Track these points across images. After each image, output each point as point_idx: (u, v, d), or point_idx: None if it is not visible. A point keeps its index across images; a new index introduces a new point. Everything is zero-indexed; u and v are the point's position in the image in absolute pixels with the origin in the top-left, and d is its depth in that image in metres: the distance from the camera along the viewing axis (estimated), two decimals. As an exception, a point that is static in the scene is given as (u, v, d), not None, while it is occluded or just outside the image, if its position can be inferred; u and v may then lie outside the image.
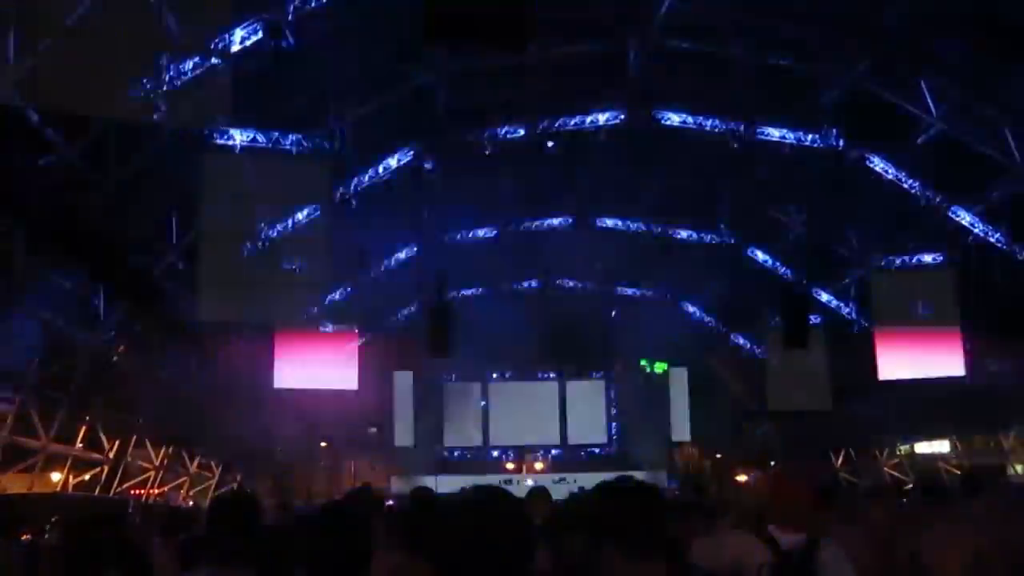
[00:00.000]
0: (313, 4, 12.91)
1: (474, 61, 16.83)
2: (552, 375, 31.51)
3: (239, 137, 15.18)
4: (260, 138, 15.48)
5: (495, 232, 23.43)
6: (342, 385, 21.69)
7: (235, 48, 12.43)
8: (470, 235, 23.36)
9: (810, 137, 17.68)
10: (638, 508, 2.32)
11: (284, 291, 17.08)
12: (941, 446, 22.65)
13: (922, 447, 23.66)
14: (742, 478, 24.25)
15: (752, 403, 27.07)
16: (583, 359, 30.43)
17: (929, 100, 15.70)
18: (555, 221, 23.16)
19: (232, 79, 14.14)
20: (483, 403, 30.62)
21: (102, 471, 16.96)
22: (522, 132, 18.45)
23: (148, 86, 12.14)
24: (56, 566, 3.50)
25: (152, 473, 19.25)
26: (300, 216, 17.81)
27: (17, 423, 13.62)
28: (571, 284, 28.11)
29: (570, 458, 30.46)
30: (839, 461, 26.08)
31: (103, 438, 16.54)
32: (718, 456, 28.97)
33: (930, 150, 16.91)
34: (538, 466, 30.59)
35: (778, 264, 23.39)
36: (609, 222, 23.41)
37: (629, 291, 28.62)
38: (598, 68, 18.63)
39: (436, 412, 28.51)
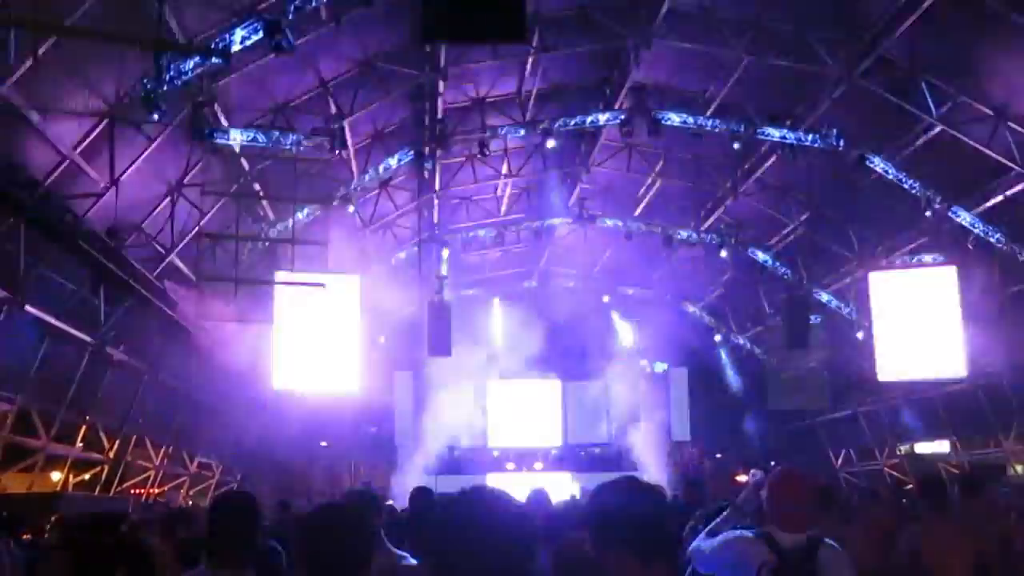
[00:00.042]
0: (314, 3, 12.90)
1: (474, 61, 16.85)
2: (553, 375, 31.51)
3: (239, 136, 15.18)
4: (260, 138, 15.47)
5: (495, 232, 23.46)
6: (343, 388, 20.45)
7: (235, 48, 12.40)
8: (470, 235, 23.37)
9: (810, 137, 17.68)
10: (651, 511, 2.32)
11: (285, 291, 17.08)
12: (941, 446, 22.64)
13: (922, 447, 23.65)
14: (742, 478, 24.25)
15: (752, 403, 27.09)
16: (583, 359, 30.43)
17: (929, 100, 15.70)
18: (555, 221, 23.16)
19: (232, 78, 14.17)
20: (483, 403, 30.61)
21: (102, 471, 16.97)
22: (522, 132, 18.46)
23: (149, 86, 12.12)
24: (64, 566, 3.50)
25: (152, 473, 19.27)
26: (301, 216, 17.83)
27: (17, 423, 13.61)
28: (572, 284, 28.12)
29: (570, 458, 30.45)
30: (839, 461, 26.08)
31: (103, 438, 16.55)
32: (718, 456, 28.97)
33: (931, 150, 16.92)
34: (538, 466, 30.58)
35: (778, 264, 23.40)
36: (610, 222, 23.42)
37: (629, 291, 28.63)
38: (598, 68, 18.67)
39: (436, 412, 28.47)
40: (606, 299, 28.95)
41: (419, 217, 20.71)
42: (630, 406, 29.35)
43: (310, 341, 18.32)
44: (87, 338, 14.19)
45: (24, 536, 9.26)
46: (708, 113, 17.93)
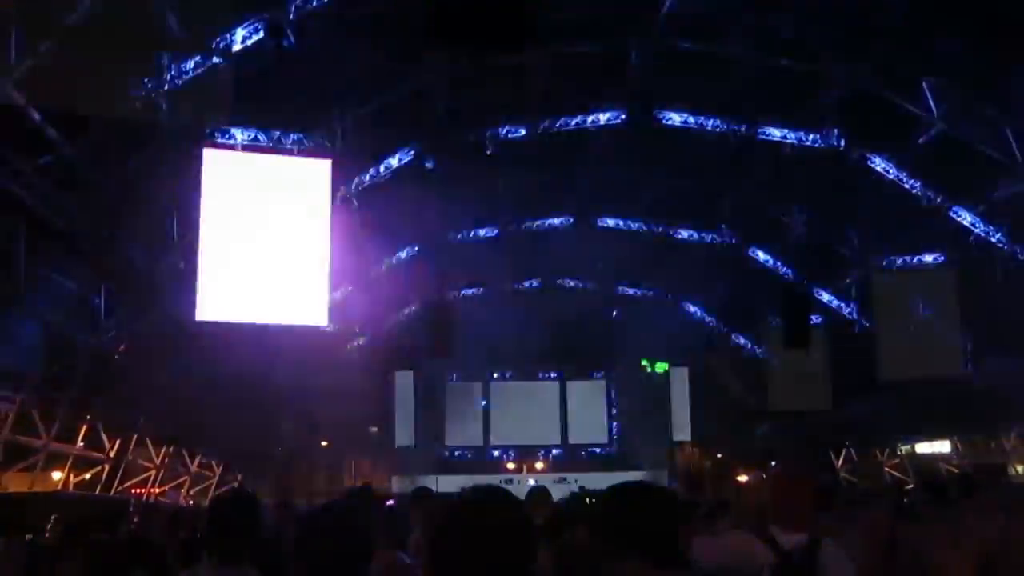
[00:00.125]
0: (314, 3, 12.92)
1: (475, 61, 16.84)
2: (553, 375, 31.52)
3: (240, 136, 15.18)
4: (261, 137, 15.48)
5: (495, 232, 23.45)
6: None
7: (236, 47, 12.42)
8: (471, 235, 23.37)
9: (811, 137, 17.68)
10: (666, 519, 2.32)
11: (285, 291, 17.05)
12: (942, 446, 22.64)
13: (923, 447, 23.65)
14: (742, 478, 24.24)
15: (752, 403, 27.07)
16: (584, 359, 30.44)
17: (930, 100, 15.69)
18: (555, 221, 23.16)
19: (233, 78, 14.17)
20: (484, 403, 30.64)
21: (103, 470, 16.97)
22: (523, 132, 18.46)
23: (149, 85, 12.14)
24: (79, 565, 3.51)
25: (153, 472, 19.27)
26: (301, 216, 17.79)
27: (18, 422, 13.62)
28: (572, 284, 28.13)
29: (570, 458, 30.48)
30: (839, 461, 26.07)
31: (104, 437, 16.55)
32: (718, 456, 28.97)
33: (931, 150, 16.92)
34: (538, 466, 30.60)
35: (779, 264, 23.39)
36: (610, 222, 23.42)
37: (630, 291, 28.63)
38: (598, 68, 18.64)
39: (436, 412, 28.52)
40: (606, 299, 28.94)
41: (420, 217, 20.70)
42: (630, 406, 29.38)
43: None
44: (87, 338, 14.19)
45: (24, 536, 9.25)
46: (708, 113, 17.93)
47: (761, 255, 23.42)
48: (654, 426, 28.24)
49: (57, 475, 16.13)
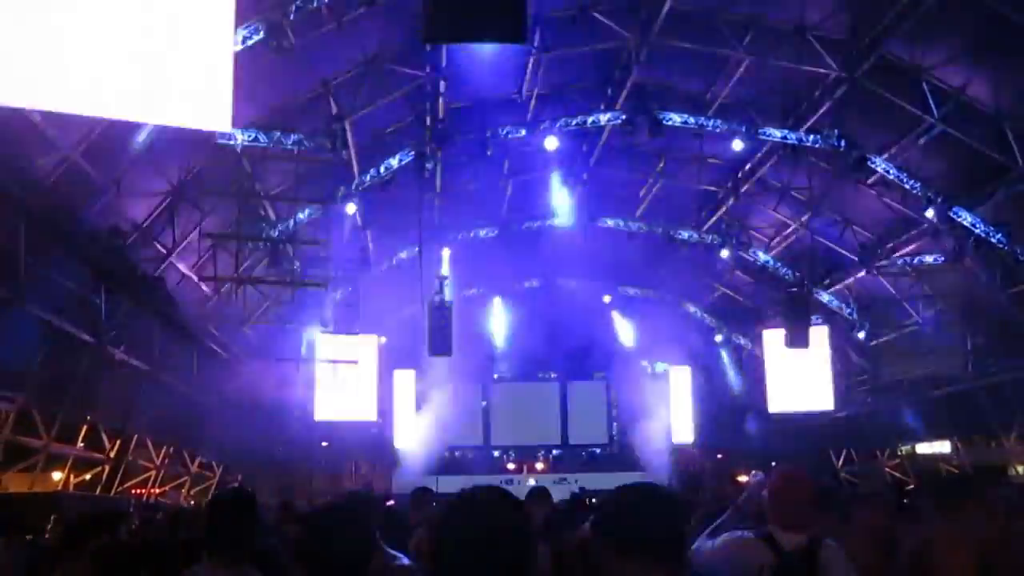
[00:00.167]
0: (315, 3, 12.91)
1: (475, 61, 16.82)
2: (553, 375, 31.53)
3: (240, 136, 15.18)
4: (261, 138, 15.47)
5: (496, 232, 23.45)
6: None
7: (236, 47, 12.38)
8: (471, 235, 23.38)
9: (811, 137, 17.68)
10: (669, 520, 2.33)
11: (285, 291, 17.07)
12: (942, 446, 22.64)
13: (923, 447, 23.65)
14: (742, 478, 24.23)
15: (752, 403, 27.08)
16: (584, 359, 30.46)
17: (930, 100, 15.70)
18: (556, 221, 23.17)
19: (234, 78, 14.13)
20: (484, 403, 30.65)
21: (103, 471, 16.96)
22: (523, 132, 18.46)
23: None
24: (87, 566, 3.51)
25: (153, 473, 19.27)
26: (301, 216, 17.81)
27: (18, 423, 13.61)
28: (572, 284, 28.13)
29: (571, 458, 30.53)
30: (839, 461, 26.07)
31: (104, 438, 16.55)
32: (718, 456, 28.98)
33: (931, 150, 16.91)
34: (539, 466, 30.63)
35: (778, 264, 23.41)
36: (610, 222, 23.43)
37: (630, 291, 28.64)
38: (599, 68, 18.65)
39: (437, 412, 28.50)
40: (607, 299, 28.96)
41: (420, 217, 20.68)
42: (630, 406, 29.39)
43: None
44: (87, 338, 14.18)
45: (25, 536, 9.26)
46: (709, 113, 17.95)
47: (761, 255, 23.44)
48: (654, 426, 28.24)
49: (57, 476, 16.12)
